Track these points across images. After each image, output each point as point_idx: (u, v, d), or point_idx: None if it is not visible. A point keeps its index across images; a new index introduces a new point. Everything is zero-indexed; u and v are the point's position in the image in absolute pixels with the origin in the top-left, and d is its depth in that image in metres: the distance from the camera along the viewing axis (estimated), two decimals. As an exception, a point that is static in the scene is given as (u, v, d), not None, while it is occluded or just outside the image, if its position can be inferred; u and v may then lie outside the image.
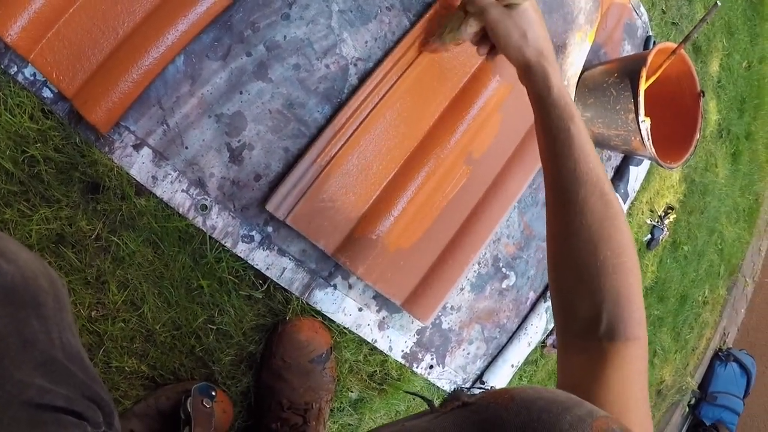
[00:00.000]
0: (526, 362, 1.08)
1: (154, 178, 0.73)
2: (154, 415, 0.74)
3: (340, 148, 0.79)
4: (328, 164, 0.79)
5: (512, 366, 1.03)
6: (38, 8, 0.65)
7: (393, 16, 0.83)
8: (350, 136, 0.80)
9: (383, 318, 0.91)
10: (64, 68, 0.67)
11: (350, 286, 0.87)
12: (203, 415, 0.67)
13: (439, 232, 0.90)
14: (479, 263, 0.98)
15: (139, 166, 0.72)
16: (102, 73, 0.69)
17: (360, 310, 0.88)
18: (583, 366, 0.53)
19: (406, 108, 0.84)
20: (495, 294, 1.01)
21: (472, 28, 0.70)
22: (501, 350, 1.04)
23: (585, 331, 0.54)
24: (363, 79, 0.82)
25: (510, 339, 1.05)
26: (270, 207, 0.76)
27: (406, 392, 0.91)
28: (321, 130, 0.80)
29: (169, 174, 0.74)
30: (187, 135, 0.74)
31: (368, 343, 0.90)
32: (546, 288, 1.08)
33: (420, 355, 0.96)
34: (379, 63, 0.82)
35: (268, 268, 0.80)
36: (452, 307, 0.97)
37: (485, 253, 0.98)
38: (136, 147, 0.72)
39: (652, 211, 1.37)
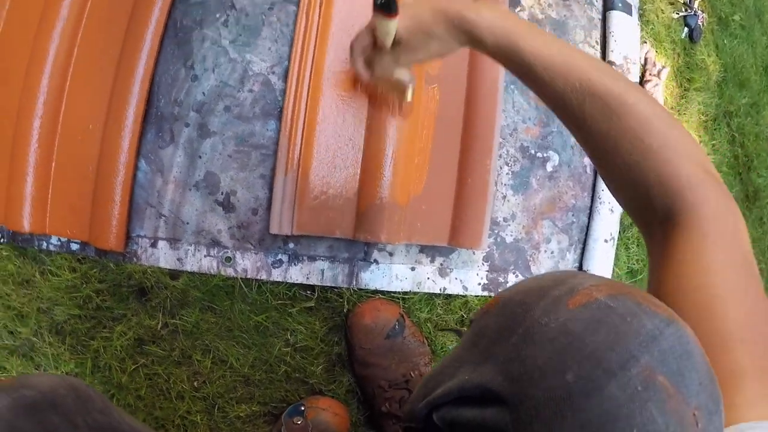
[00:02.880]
0: (623, 229, 0.94)
1: (179, 259, 0.81)
2: (285, 442, 0.80)
3: (301, 145, 0.80)
4: (299, 165, 0.80)
5: (606, 241, 0.90)
6: (32, 192, 0.78)
7: (278, 11, 0.83)
8: (303, 129, 0.80)
9: (441, 264, 0.87)
10: (71, 223, 0.79)
11: (391, 254, 0.85)
12: (298, 431, 0.70)
13: (443, 159, 0.85)
14: (506, 164, 0.89)
15: (164, 257, 0.81)
16: (97, 209, 0.79)
17: (412, 269, 0.86)
18: (654, 252, 0.45)
19: (338, 73, 0.82)
20: (545, 182, 0.91)
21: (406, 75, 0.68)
22: (587, 231, 0.92)
23: (646, 218, 0.46)
24: (286, 78, 0.82)
25: (589, 215, 0.92)
26: (274, 230, 0.79)
27: (441, 330, 0.86)
28: (278, 143, 0.81)
29: (188, 249, 0.81)
30: (182, 213, 0.81)
31: (438, 294, 0.86)
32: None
33: (502, 278, 0.89)
34: (290, 57, 0.82)
35: (308, 278, 0.83)
36: (504, 219, 0.89)
37: (506, 151, 0.89)
38: (153, 244, 0.81)
39: (672, 4, 1.11)
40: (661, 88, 1.00)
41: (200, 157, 0.81)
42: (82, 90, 0.80)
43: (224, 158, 0.82)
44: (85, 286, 0.79)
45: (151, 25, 0.81)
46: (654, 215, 0.44)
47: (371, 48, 0.63)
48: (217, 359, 0.82)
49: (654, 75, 0.99)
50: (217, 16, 0.83)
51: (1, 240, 0.79)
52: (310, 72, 0.80)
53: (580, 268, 0.92)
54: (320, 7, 0.81)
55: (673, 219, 0.43)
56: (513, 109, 0.89)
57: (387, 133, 0.81)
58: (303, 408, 0.75)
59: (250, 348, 0.82)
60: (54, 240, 0.80)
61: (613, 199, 0.91)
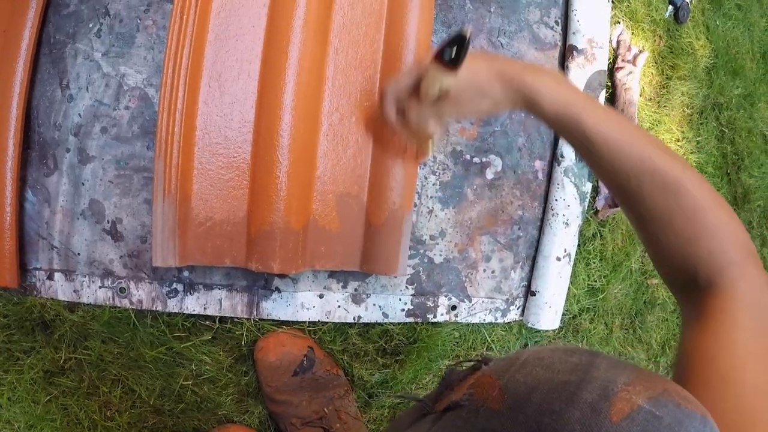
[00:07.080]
0: (584, 242, 0.74)
1: (75, 291, 0.75)
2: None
3: (179, 166, 0.67)
4: (178, 189, 0.68)
5: (559, 258, 0.71)
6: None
7: (154, 12, 0.68)
8: (180, 148, 0.67)
9: (355, 290, 0.74)
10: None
11: (295, 281, 0.73)
12: None
13: (351, 173, 0.69)
14: (433, 173, 0.71)
15: (61, 289, 0.75)
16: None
17: (321, 296, 0.73)
18: (692, 312, 0.46)
19: (217, 74, 0.67)
20: (483, 191, 0.72)
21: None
22: (537, 247, 0.73)
23: (688, 287, 0.48)
24: (161, 88, 0.68)
25: (540, 228, 0.73)
26: (157, 262, 0.69)
27: (397, 396, 0.73)
28: (154, 165, 0.69)
29: (83, 281, 0.74)
30: (72, 244, 0.74)
31: (352, 323, 0.74)
32: (555, 146, 0.72)
33: (430, 303, 0.75)
34: (164, 64, 0.67)
35: (205, 308, 0.74)
36: (432, 237, 0.73)
37: (433, 158, 0.71)
38: (50, 277, 0.75)
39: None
40: (637, 77, 0.75)
41: (83, 184, 0.72)
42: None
43: (106, 184, 0.72)
44: (-12, 321, 0.76)
45: (24, 43, 0.69)
46: (697, 284, 0.46)
47: (409, 95, 0.56)
48: (127, 389, 0.77)
49: (628, 61, 0.74)
50: (90, 26, 0.70)
51: None
52: (185, 79, 0.66)
53: (529, 287, 0.75)
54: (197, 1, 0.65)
55: (715, 289, 0.45)
56: (439, 102, 0.70)
57: (279, 146, 0.66)
58: None
59: (157, 378, 0.76)
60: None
61: (569, 212, 0.71)
